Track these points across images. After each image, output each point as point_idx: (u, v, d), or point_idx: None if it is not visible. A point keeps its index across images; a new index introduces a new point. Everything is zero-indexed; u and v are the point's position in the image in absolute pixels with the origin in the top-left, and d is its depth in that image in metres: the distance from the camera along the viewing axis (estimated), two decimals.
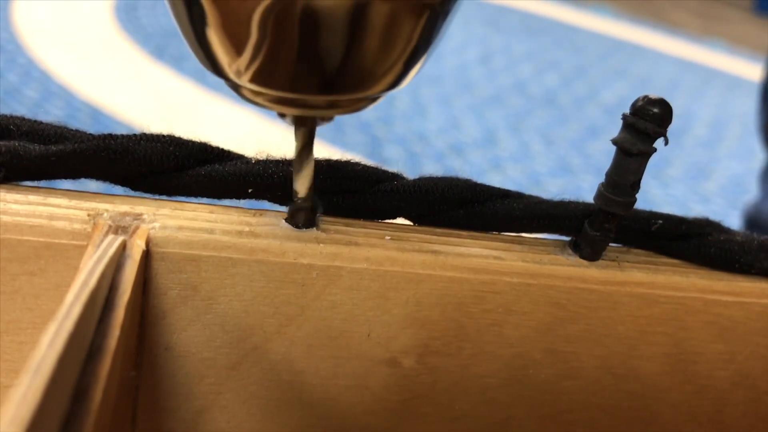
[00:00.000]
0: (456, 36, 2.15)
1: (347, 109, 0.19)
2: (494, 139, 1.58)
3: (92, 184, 0.22)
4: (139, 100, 1.46)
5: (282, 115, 0.20)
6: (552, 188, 1.40)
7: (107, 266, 0.18)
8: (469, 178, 0.24)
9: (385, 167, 0.24)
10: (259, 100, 0.18)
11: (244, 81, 0.18)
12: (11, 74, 1.44)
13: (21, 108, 1.32)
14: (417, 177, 0.24)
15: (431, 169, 1.38)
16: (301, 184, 0.21)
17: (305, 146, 0.21)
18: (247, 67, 0.17)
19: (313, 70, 0.17)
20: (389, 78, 0.18)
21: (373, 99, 0.19)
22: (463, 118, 1.65)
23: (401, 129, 1.54)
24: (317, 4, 0.15)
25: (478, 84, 1.87)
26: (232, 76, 0.18)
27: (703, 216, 0.25)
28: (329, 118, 0.20)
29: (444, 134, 1.56)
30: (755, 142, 0.94)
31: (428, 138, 1.53)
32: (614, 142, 0.21)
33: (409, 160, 1.42)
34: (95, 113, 1.35)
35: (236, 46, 0.17)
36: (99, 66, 1.57)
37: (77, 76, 1.49)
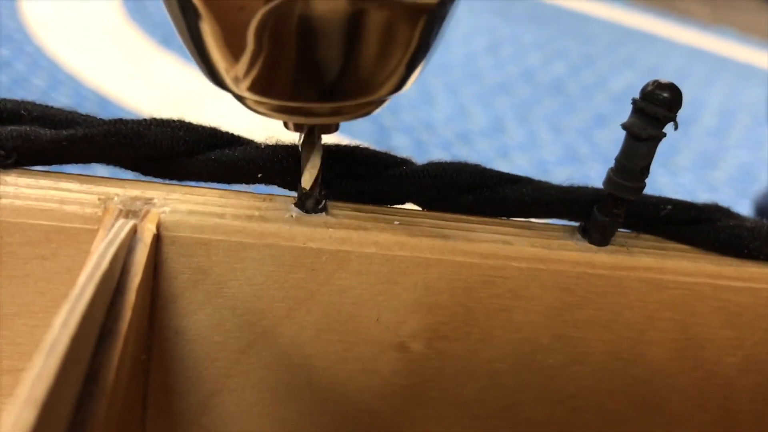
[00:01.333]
0: (463, 25, 2.14)
1: (352, 116, 0.19)
2: (502, 127, 1.57)
3: (103, 169, 0.22)
4: (147, 89, 1.46)
5: (286, 125, 0.20)
6: (559, 177, 1.39)
7: (118, 250, 0.18)
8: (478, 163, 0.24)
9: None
10: (261, 109, 0.19)
11: (243, 90, 0.18)
12: (19, 63, 1.45)
13: (28, 97, 1.31)
14: (426, 162, 0.24)
15: (438, 157, 1.37)
16: (309, 177, 0.21)
17: (312, 147, 0.21)
18: (246, 77, 0.17)
19: (313, 78, 0.17)
20: (391, 83, 0.18)
21: (379, 103, 0.19)
22: (471, 106, 1.65)
23: (408, 117, 1.54)
24: (314, 13, 0.15)
25: (485, 73, 1.86)
26: (230, 84, 0.18)
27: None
28: (335, 127, 0.20)
29: (451, 123, 1.55)
30: (765, 131, 0.93)
31: (435, 127, 1.52)
32: (624, 126, 0.21)
33: (416, 149, 1.41)
34: (103, 102, 1.35)
35: (234, 56, 0.17)
36: (106, 55, 1.57)
37: (85, 65, 1.49)
